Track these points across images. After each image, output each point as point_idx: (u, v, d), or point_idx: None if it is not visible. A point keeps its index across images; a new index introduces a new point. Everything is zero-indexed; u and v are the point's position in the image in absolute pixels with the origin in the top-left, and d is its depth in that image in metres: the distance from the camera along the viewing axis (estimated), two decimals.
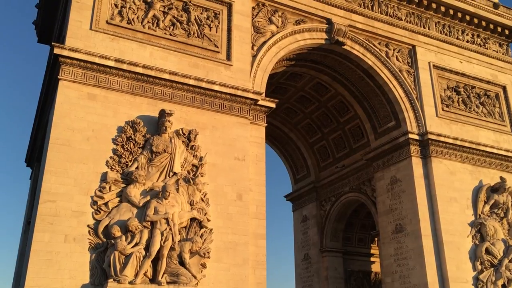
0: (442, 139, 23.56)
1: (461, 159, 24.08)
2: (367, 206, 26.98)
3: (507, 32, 29.00)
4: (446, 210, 22.47)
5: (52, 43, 16.23)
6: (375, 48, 24.40)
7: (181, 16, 19.54)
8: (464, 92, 26.18)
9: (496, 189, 24.00)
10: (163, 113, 16.84)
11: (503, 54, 28.89)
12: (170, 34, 19.01)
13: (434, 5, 26.63)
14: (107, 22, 17.92)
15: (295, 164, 33.11)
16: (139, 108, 17.25)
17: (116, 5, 18.39)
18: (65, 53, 16.34)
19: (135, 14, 18.64)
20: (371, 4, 25.02)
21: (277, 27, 22.03)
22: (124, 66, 17.20)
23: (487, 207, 23.58)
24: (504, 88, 27.64)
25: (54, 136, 15.64)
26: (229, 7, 20.70)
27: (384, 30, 24.82)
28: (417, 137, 23.42)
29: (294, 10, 22.73)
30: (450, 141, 23.79)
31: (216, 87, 18.72)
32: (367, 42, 24.29)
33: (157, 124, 17.09)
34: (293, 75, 26.87)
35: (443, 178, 23.11)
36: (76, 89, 16.45)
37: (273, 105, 20.39)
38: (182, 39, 19.18)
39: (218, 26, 20.22)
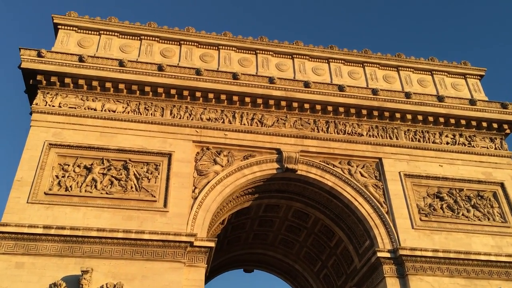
0: (418, 253, 21.39)
1: (449, 273, 21.38)
2: None
3: (495, 125, 26.93)
4: None
5: None
6: (334, 168, 23.98)
7: (120, 174, 21.15)
8: (449, 197, 24.19)
9: None
10: (81, 272, 17.53)
11: (496, 148, 26.60)
12: (107, 193, 20.48)
13: (398, 115, 26.06)
14: (45, 193, 19.90)
15: None
16: (65, 269, 18.12)
17: (57, 176, 20.50)
18: None
19: (75, 181, 20.55)
20: (326, 127, 25.14)
21: (222, 166, 22.75)
22: (52, 231, 18.60)
23: None
24: (502, 185, 25.02)
25: None
26: (170, 157, 22.09)
27: (342, 149, 24.53)
28: (388, 255, 21.51)
29: (241, 147, 23.55)
30: (429, 254, 21.47)
31: (146, 236, 19.30)
32: (324, 163, 24.03)
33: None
34: (269, 206, 26.80)
35: None
36: (5, 260, 17.89)
37: (212, 244, 20.24)
38: (118, 195, 20.55)
39: (157, 176, 21.46)
